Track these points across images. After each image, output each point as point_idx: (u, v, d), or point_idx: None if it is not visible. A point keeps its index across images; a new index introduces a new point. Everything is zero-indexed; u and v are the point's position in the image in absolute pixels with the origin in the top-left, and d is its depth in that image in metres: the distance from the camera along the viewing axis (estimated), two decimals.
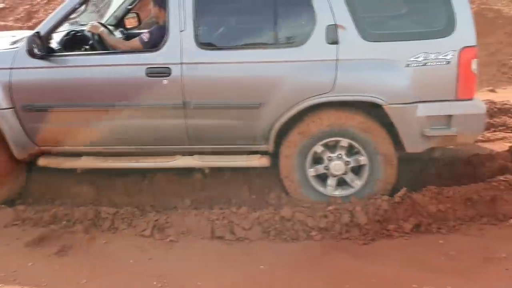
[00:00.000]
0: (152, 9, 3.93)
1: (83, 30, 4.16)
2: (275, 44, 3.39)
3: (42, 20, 8.20)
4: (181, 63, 3.38)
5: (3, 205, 3.65)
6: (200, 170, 3.82)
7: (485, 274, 2.72)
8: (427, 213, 3.20)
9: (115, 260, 3.06)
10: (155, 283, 2.80)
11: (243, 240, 3.21)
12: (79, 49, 3.93)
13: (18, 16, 8.84)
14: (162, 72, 3.39)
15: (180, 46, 3.38)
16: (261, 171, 3.84)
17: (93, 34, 3.90)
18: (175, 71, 3.38)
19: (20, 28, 8.38)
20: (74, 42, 3.96)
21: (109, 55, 3.67)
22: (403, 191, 3.32)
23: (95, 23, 3.92)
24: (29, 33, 3.90)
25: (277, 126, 3.42)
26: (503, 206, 3.19)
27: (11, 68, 3.54)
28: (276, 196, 3.66)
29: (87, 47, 3.98)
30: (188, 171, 3.90)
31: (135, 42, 3.79)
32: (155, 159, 3.68)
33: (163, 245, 3.21)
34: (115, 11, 4.69)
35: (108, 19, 4.68)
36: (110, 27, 4.40)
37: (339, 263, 2.90)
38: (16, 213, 3.55)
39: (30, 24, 8.47)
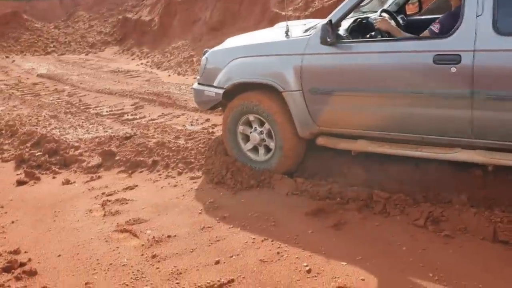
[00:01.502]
0: None
1: (368, 17, 4.28)
2: None
3: (319, 9, 8.90)
4: (474, 50, 3.15)
5: (285, 176, 4.09)
6: (481, 166, 3.54)
7: None
8: None
9: (388, 243, 3.10)
10: (431, 275, 2.74)
11: None
12: (365, 36, 4.04)
13: (297, 6, 9.67)
14: (451, 59, 3.23)
15: (475, 32, 3.15)
16: None
17: (381, 30, 3.97)
18: (466, 58, 3.18)
19: (298, 17, 9.17)
20: (360, 29, 4.11)
21: (395, 42, 3.69)
22: None
23: (384, 18, 3.98)
24: (319, 21, 4.23)
25: None
26: None
27: (303, 54, 3.87)
28: None
29: (373, 33, 4.07)
30: (466, 166, 3.66)
31: (425, 35, 3.69)
32: (433, 150, 3.55)
33: (437, 238, 3.11)
34: None
35: (389, 5, 4.70)
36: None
37: None
38: (297, 184, 3.94)
39: (307, 13, 9.18)
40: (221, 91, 4.37)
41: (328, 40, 3.66)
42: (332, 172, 4.16)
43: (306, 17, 8.96)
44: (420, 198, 3.58)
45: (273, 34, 4.61)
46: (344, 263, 2.91)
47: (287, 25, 4.16)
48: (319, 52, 3.80)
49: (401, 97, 3.51)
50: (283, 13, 9.63)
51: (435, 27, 3.58)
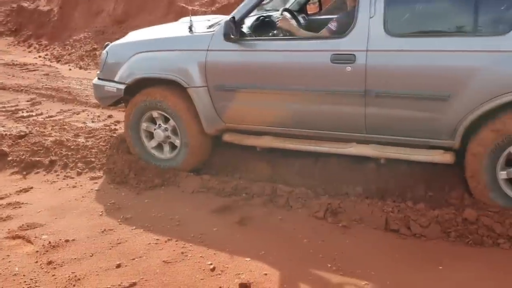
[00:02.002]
0: None
1: (270, 16, 4.36)
2: (474, 32, 3.12)
3: (225, 4, 8.90)
4: (367, 50, 3.33)
5: (190, 173, 4.05)
6: (374, 159, 3.76)
7: None
8: None
9: (290, 236, 3.19)
10: (329, 265, 2.86)
11: (419, 237, 3.09)
12: (267, 34, 4.10)
13: (203, 1, 9.59)
14: (347, 59, 3.38)
15: (368, 33, 3.32)
16: (440, 168, 3.64)
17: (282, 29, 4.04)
18: (360, 58, 3.34)
19: (205, 12, 9.11)
20: (263, 27, 4.16)
21: (295, 40, 3.79)
22: None
23: (285, 17, 4.07)
24: (224, 17, 4.24)
25: (468, 121, 3.18)
26: None
27: (207, 50, 3.85)
28: (457, 196, 3.44)
29: (275, 32, 4.14)
30: (362, 160, 3.87)
31: (324, 33, 3.80)
32: (330, 145, 3.73)
33: (335, 229, 3.25)
34: None
35: (291, 4, 4.81)
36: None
37: None
38: (203, 182, 3.92)
39: (213, 8, 9.15)
40: (122, 87, 4.22)
41: (232, 36, 3.68)
42: (239, 168, 4.20)
43: (213, 12, 8.92)
44: (321, 191, 3.73)
45: (177, 29, 4.53)
46: (248, 259, 2.94)
47: (190, 20, 4.11)
48: (223, 48, 3.80)
49: (301, 94, 3.62)
50: (190, 7, 9.52)
51: (333, 25, 3.73)
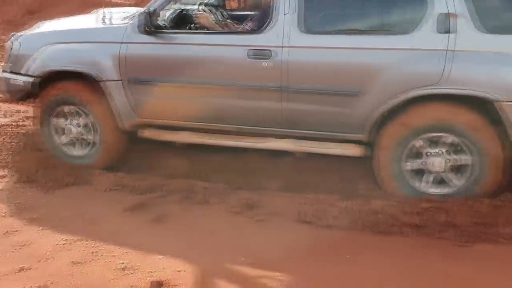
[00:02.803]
0: None
1: (187, 10, 4.29)
2: (381, 30, 3.27)
3: None
4: (282, 47, 3.38)
5: (104, 171, 3.91)
6: (292, 153, 3.84)
7: None
8: None
9: (207, 233, 3.17)
10: (243, 259, 2.87)
11: (331, 228, 3.19)
12: (184, 27, 4.03)
13: None
14: (263, 54, 3.41)
15: (283, 29, 3.37)
16: (353, 161, 3.78)
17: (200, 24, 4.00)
18: (276, 54, 3.39)
19: (122, 4, 8.81)
20: (180, 20, 4.09)
21: (213, 35, 3.78)
22: (506, 195, 3.12)
23: (203, 13, 4.04)
24: (139, 10, 4.12)
25: (376, 115, 3.32)
26: None
27: (121, 42, 3.73)
28: (366, 187, 3.59)
29: (192, 25, 4.09)
30: (280, 154, 3.92)
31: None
32: (248, 139, 3.75)
33: (252, 223, 3.27)
34: None
35: None
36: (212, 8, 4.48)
37: (431, 263, 2.79)
38: (116, 179, 3.79)
39: (132, 1, 8.87)
40: (30, 80, 3.98)
41: (147, 29, 3.59)
42: (155, 165, 4.09)
43: (132, 5, 8.66)
44: (239, 186, 3.74)
45: (90, 20, 4.34)
46: (162, 257, 2.89)
47: (103, 11, 3.96)
48: (138, 41, 3.70)
49: (218, 89, 3.61)
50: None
51: (249, 26, 3.76)
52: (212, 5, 4.62)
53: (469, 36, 3.06)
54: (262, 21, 3.57)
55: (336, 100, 3.38)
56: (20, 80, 4.05)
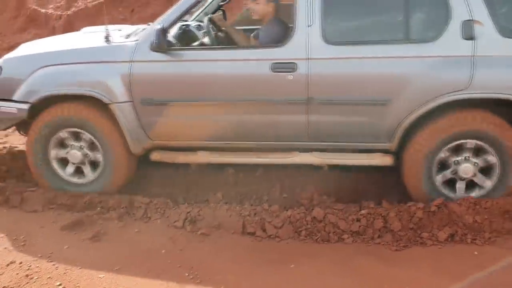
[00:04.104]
0: (261, 4, 3.74)
1: (189, 25, 4.13)
2: (407, 39, 3.27)
3: (82, 9, 8.46)
4: (308, 59, 3.34)
5: (35, 188, 3.75)
6: (232, 165, 3.85)
7: None
8: (463, 223, 3.15)
9: (147, 248, 3.11)
10: (186, 274, 2.84)
11: (273, 238, 3.22)
12: (189, 43, 3.86)
13: (59, 4, 9.00)
14: (288, 67, 3.35)
15: (307, 41, 3.33)
16: (292, 171, 3.86)
17: (218, 27, 3.88)
18: (301, 66, 3.34)
19: (60, 16, 8.56)
20: (185, 36, 3.93)
21: (232, 50, 3.68)
22: (440, 200, 3.28)
23: (220, 16, 3.90)
24: (138, 27, 4.03)
25: (406, 123, 3.34)
26: None
27: (131, 61, 3.51)
28: (308, 196, 3.65)
29: (198, 42, 3.96)
30: (222, 166, 3.93)
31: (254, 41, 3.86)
32: (274, 155, 3.66)
33: (194, 237, 3.25)
34: (205, 8, 4.57)
35: (197, 15, 4.59)
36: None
37: (370, 267, 2.88)
38: (50, 197, 3.63)
39: (69, 12, 8.62)
40: (25, 106, 3.66)
41: (162, 46, 3.42)
42: None
43: (70, 16, 8.44)
44: (181, 200, 3.71)
45: (87, 39, 4.08)
46: (102, 275, 2.81)
47: (106, 29, 3.73)
48: (150, 59, 3.49)
49: (239, 105, 3.49)
50: (43, 10, 8.90)
51: (263, 41, 3.67)
52: (200, 21, 4.46)
53: (491, 41, 3.17)
54: (275, 34, 3.57)
55: (364, 109, 3.37)
56: (12, 107, 3.71)
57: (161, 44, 3.39)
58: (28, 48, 4.14)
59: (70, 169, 3.82)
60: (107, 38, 3.68)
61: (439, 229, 3.14)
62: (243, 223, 3.31)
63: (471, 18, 3.18)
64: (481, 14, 3.17)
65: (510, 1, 3.25)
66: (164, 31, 3.40)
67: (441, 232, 3.11)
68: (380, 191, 3.75)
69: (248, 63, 3.45)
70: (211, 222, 3.35)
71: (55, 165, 3.81)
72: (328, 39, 3.31)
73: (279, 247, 3.14)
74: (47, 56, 3.76)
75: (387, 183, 3.84)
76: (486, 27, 3.17)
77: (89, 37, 4.17)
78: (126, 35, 3.84)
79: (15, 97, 3.69)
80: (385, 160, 3.53)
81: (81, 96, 3.63)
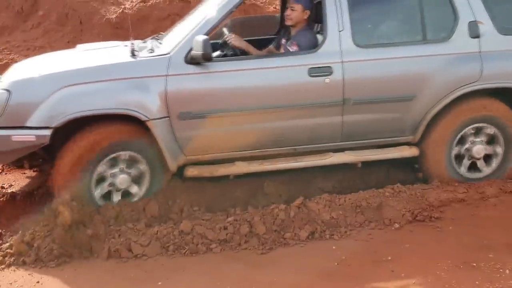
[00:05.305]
0: (297, 11, 3.77)
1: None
2: (425, 40, 3.68)
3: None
4: (342, 62, 3.52)
5: None
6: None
7: (373, 277, 2.89)
8: (321, 221, 3.35)
9: None
10: None
11: (140, 257, 3.12)
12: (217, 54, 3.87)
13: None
14: (324, 71, 3.51)
15: (339, 45, 3.53)
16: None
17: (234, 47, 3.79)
18: (336, 69, 3.52)
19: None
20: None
21: (270, 58, 3.74)
22: (300, 199, 3.45)
23: (236, 35, 3.79)
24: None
25: (430, 116, 3.69)
26: (388, 211, 3.43)
27: (166, 75, 3.40)
28: (177, 209, 3.56)
29: (225, 51, 3.90)
30: None
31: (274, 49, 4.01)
32: (310, 158, 3.74)
33: (52, 269, 3.02)
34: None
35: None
36: None
37: (238, 274, 2.93)
38: None
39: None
40: (47, 132, 3.27)
41: (209, 56, 3.35)
42: None
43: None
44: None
45: (104, 56, 3.82)
46: None
47: (132, 44, 3.49)
48: (186, 72, 3.43)
49: (277, 111, 3.57)
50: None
51: (293, 49, 3.70)
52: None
53: (493, 38, 3.68)
54: (315, 40, 3.73)
55: (393, 106, 3.66)
56: (30, 134, 3.28)
57: (208, 54, 3.33)
58: (33, 68, 3.72)
59: (101, 189, 3.51)
60: (133, 53, 3.54)
61: (300, 228, 3.30)
62: (108, 246, 3.15)
63: (475, 19, 3.66)
64: (482, 15, 3.67)
65: (506, 3, 3.84)
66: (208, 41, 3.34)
67: (302, 231, 3.27)
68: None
69: (286, 69, 3.58)
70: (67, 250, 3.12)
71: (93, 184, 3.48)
72: (358, 43, 3.58)
73: (146, 266, 3.05)
74: (68, 74, 3.46)
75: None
76: (487, 27, 3.67)
77: (105, 53, 3.95)
78: (149, 49, 3.65)
79: (30, 123, 3.30)
80: (413, 151, 3.83)
81: (112, 116, 3.42)
